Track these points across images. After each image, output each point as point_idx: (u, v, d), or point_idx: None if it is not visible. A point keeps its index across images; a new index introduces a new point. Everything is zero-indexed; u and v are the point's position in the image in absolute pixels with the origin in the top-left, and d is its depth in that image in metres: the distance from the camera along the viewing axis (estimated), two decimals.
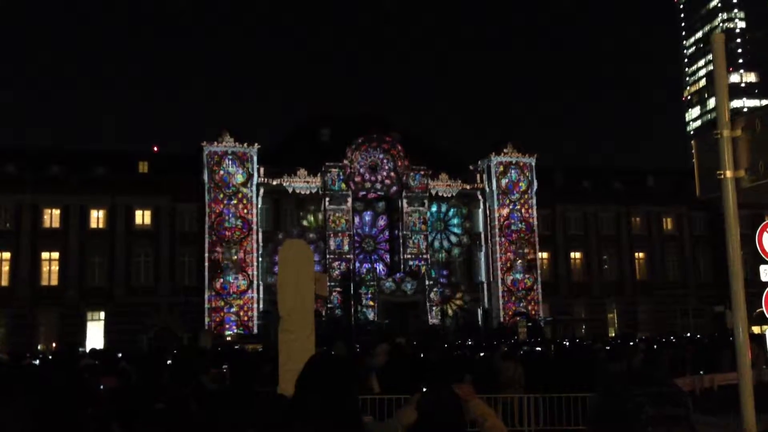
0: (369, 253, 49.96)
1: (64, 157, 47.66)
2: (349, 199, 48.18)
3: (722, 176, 3.35)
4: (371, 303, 45.39)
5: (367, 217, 50.29)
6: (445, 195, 50.82)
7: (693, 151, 3.59)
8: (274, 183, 47.39)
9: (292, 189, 47.84)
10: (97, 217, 46.74)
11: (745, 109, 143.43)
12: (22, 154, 47.38)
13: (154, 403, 5.36)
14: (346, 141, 47.69)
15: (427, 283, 46.89)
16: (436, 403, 3.46)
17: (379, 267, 49.64)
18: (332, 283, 44.88)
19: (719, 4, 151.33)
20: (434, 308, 46.73)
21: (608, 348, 18.69)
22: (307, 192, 48.10)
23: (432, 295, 46.90)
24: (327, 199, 47.73)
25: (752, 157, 3.28)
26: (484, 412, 3.94)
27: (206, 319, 44.31)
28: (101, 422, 5.13)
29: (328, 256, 47.08)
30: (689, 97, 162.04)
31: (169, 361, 10.39)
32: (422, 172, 49.28)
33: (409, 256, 48.47)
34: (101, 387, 7.47)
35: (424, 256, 48.76)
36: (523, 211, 50.98)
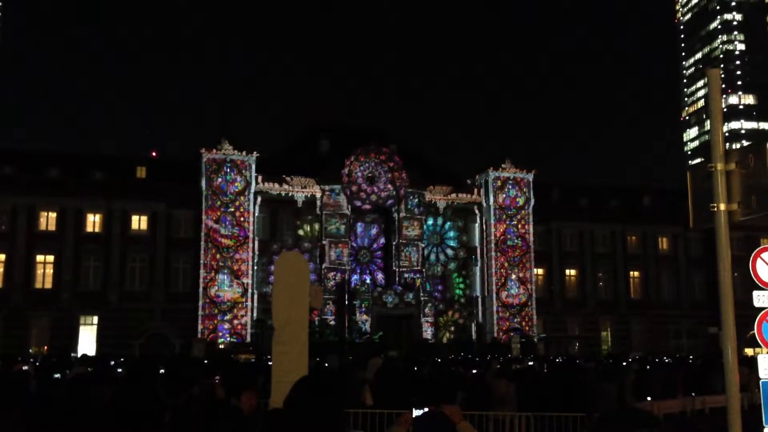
0: (365, 265, 49.91)
1: (62, 160, 47.74)
2: (347, 210, 48.20)
3: (715, 209, 3.39)
4: (365, 316, 45.32)
5: (360, 228, 50.19)
6: (442, 208, 50.92)
7: (687, 182, 3.62)
8: (272, 192, 47.45)
9: (289, 198, 47.90)
10: (93, 221, 46.66)
11: (743, 131, 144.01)
12: (20, 156, 47.46)
13: (147, 413, 5.36)
14: (345, 152, 47.80)
15: (422, 296, 46.88)
16: (429, 427, 3.49)
17: (377, 277, 49.64)
18: (327, 295, 44.83)
19: (719, 26, 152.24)
20: (428, 322, 46.69)
21: (600, 368, 18.71)
22: (305, 202, 48.14)
23: (426, 309, 46.88)
24: (324, 209, 47.77)
25: (745, 191, 3.32)
26: None
27: (199, 327, 44.20)
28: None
29: (323, 267, 47.05)
30: (687, 117, 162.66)
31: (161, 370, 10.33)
32: (419, 185, 49.37)
33: (404, 269, 48.46)
34: (94, 396, 7.44)
35: (420, 269, 48.75)
36: (519, 226, 51.08)
